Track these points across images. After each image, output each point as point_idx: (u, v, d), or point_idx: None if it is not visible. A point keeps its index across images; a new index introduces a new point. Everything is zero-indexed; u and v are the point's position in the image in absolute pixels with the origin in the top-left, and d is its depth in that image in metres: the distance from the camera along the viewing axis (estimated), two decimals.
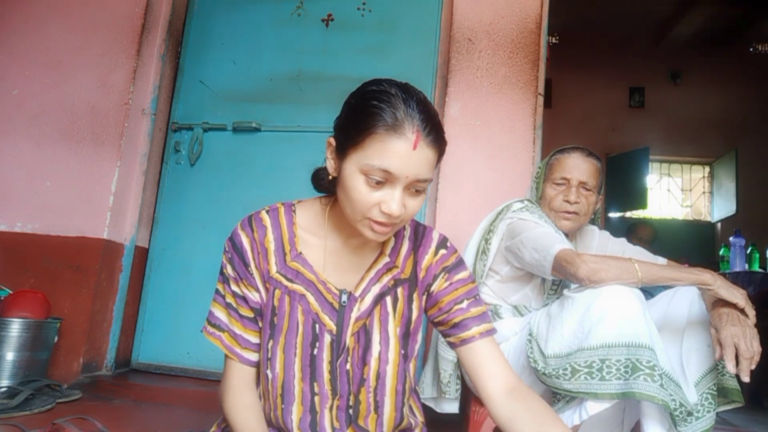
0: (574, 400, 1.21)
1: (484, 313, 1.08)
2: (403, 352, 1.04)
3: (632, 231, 4.28)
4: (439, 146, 0.90)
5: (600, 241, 1.74)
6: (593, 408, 1.16)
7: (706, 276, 1.21)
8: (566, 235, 1.59)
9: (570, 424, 1.20)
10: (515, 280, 1.56)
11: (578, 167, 1.57)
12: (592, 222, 1.77)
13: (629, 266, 1.24)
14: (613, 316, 1.16)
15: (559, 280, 1.50)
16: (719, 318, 1.18)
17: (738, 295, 1.19)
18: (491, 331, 1.06)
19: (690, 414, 1.18)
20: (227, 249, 1.02)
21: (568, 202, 1.56)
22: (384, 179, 0.87)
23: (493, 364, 1.01)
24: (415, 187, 0.90)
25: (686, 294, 1.32)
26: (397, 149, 0.85)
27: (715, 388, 1.26)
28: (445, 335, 1.08)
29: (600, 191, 1.64)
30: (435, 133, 0.88)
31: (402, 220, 0.92)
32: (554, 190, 1.59)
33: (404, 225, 1.03)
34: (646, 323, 1.15)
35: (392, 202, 0.87)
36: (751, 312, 1.18)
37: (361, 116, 0.88)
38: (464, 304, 1.06)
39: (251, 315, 1.02)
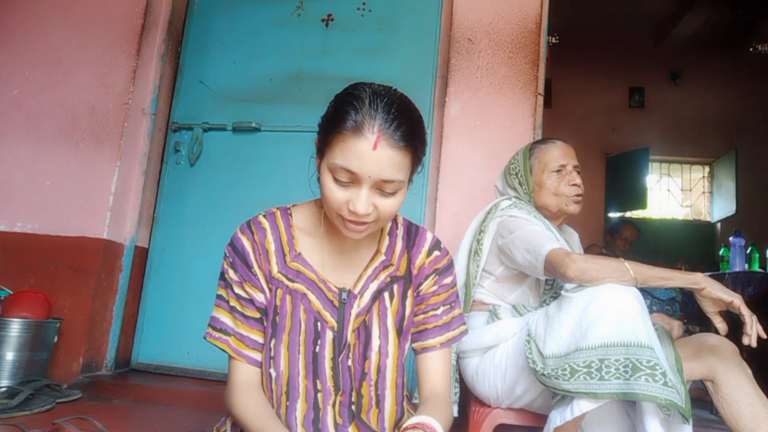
0: (568, 396, 1.21)
1: (455, 317, 1.11)
2: (400, 345, 1.06)
3: (616, 230, 4.26)
4: (410, 148, 0.90)
5: (578, 249, 1.78)
6: (586, 406, 1.16)
7: (698, 276, 1.23)
8: (557, 227, 1.63)
9: (561, 420, 1.20)
10: (510, 279, 1.58)
11: (567, 153, 1.66)
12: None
13: (620, 266, 1.25)
14: (610, 316, 1.16)
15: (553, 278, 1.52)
16: None
17: (734, 295, 1.20)
18: (454, 339, 1.10)
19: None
20: (228, 254, 1.04)
21: (576, 185, 1.62)
22: (349, 179, 0.89)
23: (434, 373, 1.08)
24: (383, 188, 0.90)
25: None
26: (357, 149, 0.87)
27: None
28: (412, 339, 1.10)
29: None
30: (403, 132, 0.88)
31: (378, 220, 0.94)
32: (554, 179, 1.63)
33: (387, 224, 1.07)
34: (644, 322, 1.15)
35: (357, 201, 0.89)
36: (747, 311, 1.18)
37: (331, 118, 0.92)
38: (440, 311, 1.10)
39: (257, 316, 1.03)
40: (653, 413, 1.18)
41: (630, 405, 1.33)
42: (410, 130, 0.90)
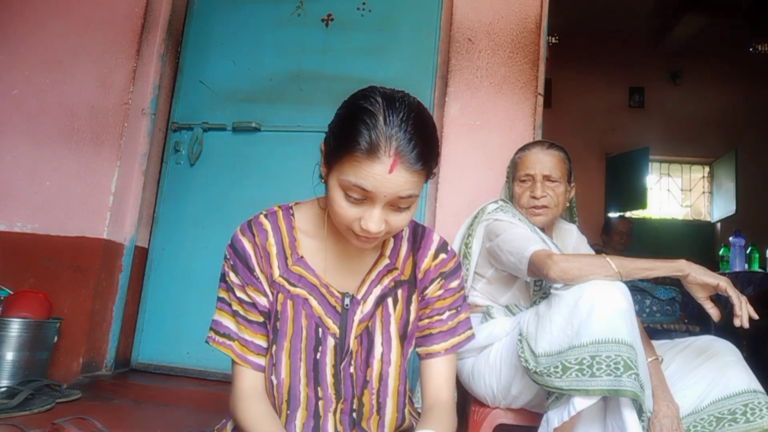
0: (564, 396, 1.21)
1: (462, 322, 1.09)
2: (403, 352, 1.04)
3: (610, 229, 4.31)
4: (425, 165, 0.86)
5: (577, 242, 1.77)
6: (581, 404, 1.16)
7: (681, 263, 1.23)
8: (542, 229, 1.61)
9: (559, 421, 1.20)
10: (500, 281, 1.59)
11: (540, 161, 1.61)
12: (570, 218, 1.81)
13: (601, 261, 1.25)
14: (600, 312, 1.16)
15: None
16: None
17: (720, 277, 1.19)
18: (460, 345, 1.08)
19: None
20: (228, 256, 1.01)
21: (534, 197, 1.59)
22: (362, 196, 0.86)
23: (438, 380, 1.05)
24: (398, 204, 0.87)
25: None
26: (372, 171, 0.83)
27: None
28: (416, 343, 1.09)
29: (570, 180, 1.67)
30: (420, 153, 0.84)
31: (389, 232, 0.91)
32: (521, 188, 1.63)
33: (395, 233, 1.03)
34: (630, 320, 1.16)
35: (370, 220, 0.86)
36: (735, 293, 1.17)
37: (343, 133, 0.87)
38: (445, 315, 1.07)
39: (261, 319, 1.01)
40: (631, 406, 1.18)
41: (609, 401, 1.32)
42: (427, 149, 0.86)
